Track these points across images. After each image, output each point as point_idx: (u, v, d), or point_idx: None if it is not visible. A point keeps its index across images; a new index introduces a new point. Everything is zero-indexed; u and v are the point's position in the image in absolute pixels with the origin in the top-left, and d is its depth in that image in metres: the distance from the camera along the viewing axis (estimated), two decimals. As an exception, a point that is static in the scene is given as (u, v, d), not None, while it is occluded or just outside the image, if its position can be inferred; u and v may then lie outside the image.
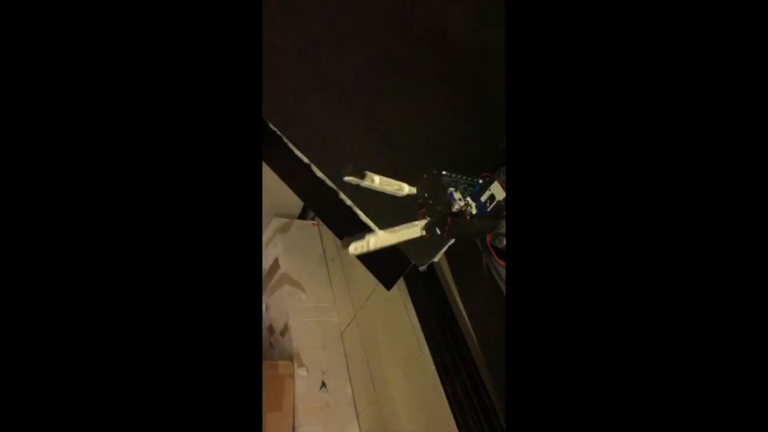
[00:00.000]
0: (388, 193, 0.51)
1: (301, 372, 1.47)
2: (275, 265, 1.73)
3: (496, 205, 0.56)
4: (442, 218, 0.51)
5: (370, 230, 0.46)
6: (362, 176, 0.47)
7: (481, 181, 0.57)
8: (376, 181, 0.49)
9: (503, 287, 0.67)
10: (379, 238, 0.46)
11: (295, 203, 1.90)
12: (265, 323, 1.70)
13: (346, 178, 0.46)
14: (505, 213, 0.57)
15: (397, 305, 1.34)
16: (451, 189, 0.55)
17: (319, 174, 0.79)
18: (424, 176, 0.55)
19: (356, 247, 0.45)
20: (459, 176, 0.56)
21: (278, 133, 0.80)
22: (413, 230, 0.50)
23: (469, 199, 0.56)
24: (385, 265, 0.87)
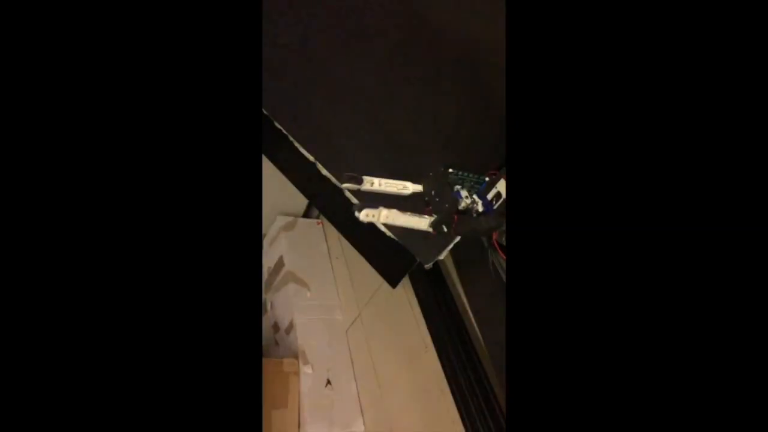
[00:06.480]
0: (391, 193, 0.52)
1: (306, 369, 1.48)
2: (280, 262, 1.73)
3: (502, 202, 0.56)
4: (449, 216, 0.51)
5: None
6: (359, 182, 0.48)
7: (487, 179, 0.57)
8: (376, 185, 0.50)
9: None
10: (390, 213, 0.48)
11: (300, 201, 1.90)
12: (271, 321, 1.71)
13: (344, 185, 0.48)
14: (511, 210, 0.57)
15: (401, 303, 1.34)
16: (458, 186, 0.55)
17: (324, 172, 0.79)
18: (431, 174, 0.55)
19: (367, 214, 0.46)
20: (465, 174, 0.56)
21: (284, 131, 0.80)
22: (421, 221, 0.51)
23: (475, 196, 0.56)
24: (390, 263, 0.87)
